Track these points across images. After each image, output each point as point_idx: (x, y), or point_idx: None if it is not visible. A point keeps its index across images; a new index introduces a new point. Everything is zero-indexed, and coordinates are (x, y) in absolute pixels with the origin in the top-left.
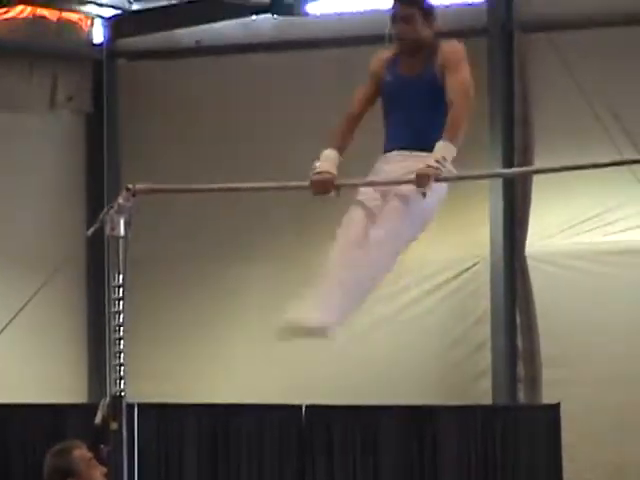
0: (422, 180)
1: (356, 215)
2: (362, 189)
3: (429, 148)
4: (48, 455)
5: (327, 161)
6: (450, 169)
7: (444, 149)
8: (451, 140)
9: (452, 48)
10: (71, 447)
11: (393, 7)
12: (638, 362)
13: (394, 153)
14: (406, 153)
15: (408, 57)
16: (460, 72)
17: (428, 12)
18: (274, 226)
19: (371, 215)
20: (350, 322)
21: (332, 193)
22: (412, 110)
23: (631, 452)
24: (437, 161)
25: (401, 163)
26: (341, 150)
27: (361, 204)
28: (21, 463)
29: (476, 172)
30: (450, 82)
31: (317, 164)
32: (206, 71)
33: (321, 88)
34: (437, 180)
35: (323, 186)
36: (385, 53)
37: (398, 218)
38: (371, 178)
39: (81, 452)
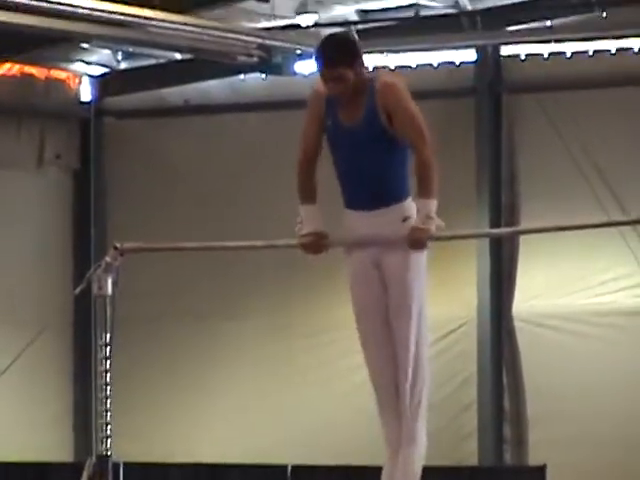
0: (416, 245)
1: (369, 327)
2: (352, 269)
3: (395, 200)
4: None
5: (311, 220)
6: (438, 223)
7: (426, 207)
8: (429, 196)
9: (388, 88)
10: None
11: (318, 67)
12: (625, 423)
13: (360, 213)
14: (373, 212)
15: (344, 98)
16: (406, 112)
17: (355, 62)
18: (255, 286)
19: (380, 303)
20: (334, 384)
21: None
22: (362, 167)
23: None
24: (424, 222)
25: (373, 219)
26: (314, 200)
27: (364, 311)
28: None
29: (464, 232)
30: (401, 127)
31: (300, 224)
32: (194, 130)
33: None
34: (428, 240)
35: (314, 248)
36: (318, 93)
37: (410, 294)
38: (354, 236)
39: None
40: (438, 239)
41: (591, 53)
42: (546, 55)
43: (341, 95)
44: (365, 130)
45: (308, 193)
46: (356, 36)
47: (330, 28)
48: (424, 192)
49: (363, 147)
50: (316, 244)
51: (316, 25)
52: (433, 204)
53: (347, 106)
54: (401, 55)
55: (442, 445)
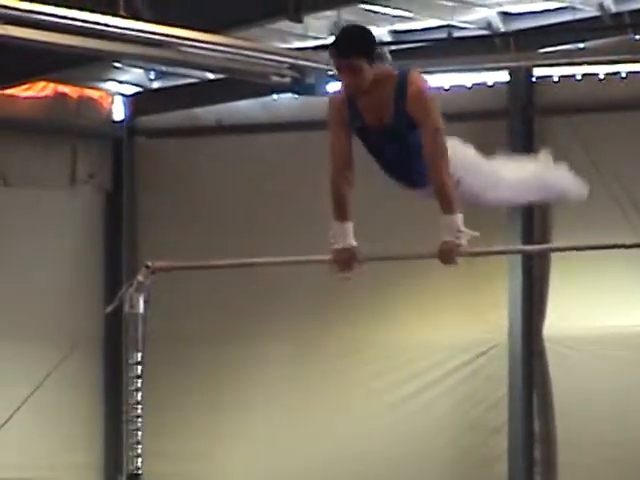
0: (448, 260)
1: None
2: None
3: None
4: None
5: (344, 236)
6: (469, 233)
7: (453, 222)
8: (452, 211)
9: (421, 96)
10: None
11: (332, 59)
12: None
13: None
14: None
15: (365, 96)
16: (430, 123)
17: (370, 54)
18: (287, 306)
19: None
20: (363, 408)
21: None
22: (398, 156)
23: None
24: (455, 236)
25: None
26: (347, 217)
27: None
28: None
29: (496, 247)
30: (424, 139)
31: (332, 239)
32: (226, 150)
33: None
34: (459, 254)
35: (345, 263)
36: (337, 99)
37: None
38: None
39: None
40: (470, 255)
41: (624, 75)
42: (579, 77)
43: (358, 88)
44: (394, 130)
45: (341, 209)
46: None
47: None
48: (447, 209)
49: (395, 142)
50: (348, 260)
51: None
52: (459, 218)
53: (371, 105)
54: (434, 76)
55: (471, 469)
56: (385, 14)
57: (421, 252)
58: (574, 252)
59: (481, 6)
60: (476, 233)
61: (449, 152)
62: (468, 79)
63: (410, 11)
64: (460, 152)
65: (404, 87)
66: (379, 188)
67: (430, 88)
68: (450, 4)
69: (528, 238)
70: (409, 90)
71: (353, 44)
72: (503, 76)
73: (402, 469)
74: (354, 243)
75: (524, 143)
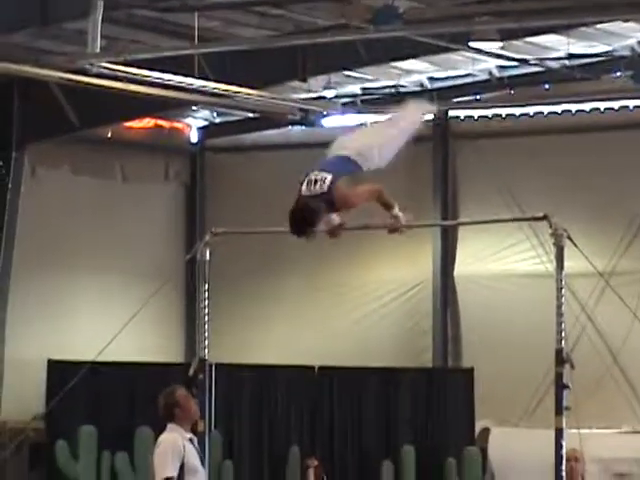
0: (394, 232)
1: None
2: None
3: None
4: (160, 396)
5: (333, 218)
6: (409, 217)
7: (393, 213)
8: (391, 207)
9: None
10: (175, 389)
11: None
12: (532, 347)
13: None
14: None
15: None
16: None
17: (313, 223)
18: (301, 258)
19: None
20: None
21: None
22: None
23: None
24: (396, 220)
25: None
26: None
27: None
28: (142, 402)
29: (424, 222)
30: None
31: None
32: (260, 161)
33: None
34: (401, 230)
35: (333, 233)
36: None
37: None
38: None
39: (181, 392)
40: (407, 227)
41: (504, 115)
42: (475, 117)
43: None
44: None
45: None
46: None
47: (342, 98)
48: (388, 207)
49: None
50: (335, 230)
51: (336, 97)
52: (396, 208)
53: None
54: (387, 113)
55: (409, 353)
56: (358, 77)
57: (379, 225)
58: (475, 218)
59: (417, 73)
60: (412, 216)
61: (386, 139)
62: None
63: (374, 74)
64: (388, 141)
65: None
66: None
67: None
68: (397, 71)
69: (445, 215)
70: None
71: (301, 227)
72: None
73: (367, 350)
74: (338, 220)
75: (443, 159)
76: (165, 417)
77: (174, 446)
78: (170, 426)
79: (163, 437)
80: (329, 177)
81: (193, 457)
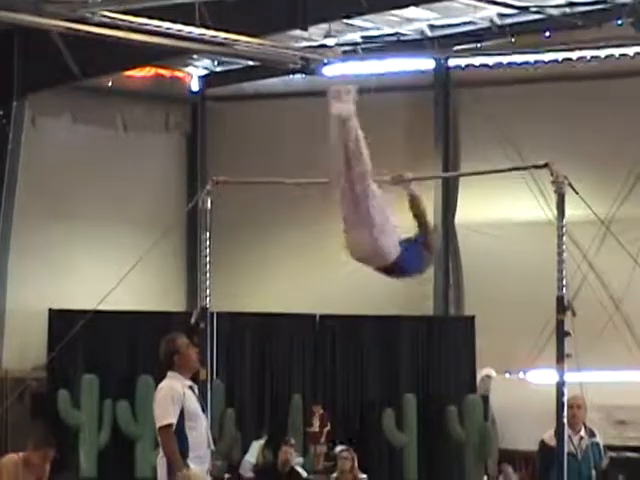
0: (397, 182)
1: None
2: None
3: None
4: (162, 342)
5: None
6: (407, 175)
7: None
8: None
9: None
10: (175, 336)
11: None
12: (533, 294)
13: None
14: None
15: None
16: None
17: None
18: (301, 209)
19: None
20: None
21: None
22: None
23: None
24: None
25: None
26: None
27: None
28: (143, 350)
29: (425, 175)
30: None
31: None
32: (261, 110)
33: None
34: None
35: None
36: None
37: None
38: None
39: (182, 339)
40: (413, 180)
41: (505, 63)
42: (477, 65)
43: None
44: None
45: None
46: None
47: (343, 47)
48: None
49: None
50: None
51: (336, 45)
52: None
53: None
54: (388, 62)
55: (410, 301)
56: (359, 25)
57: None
58: (477, 167)
59: (417, 21)
60: (410, 174)
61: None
62: (410, 65)
63: (375, 22)
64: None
65: None
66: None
67: None
68: (397, 19)
69: (446, 167)
70: None
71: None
72: (430, 64)
73: (369, 298)
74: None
75: (444, 108)
76: (165, 364)
77: (173, 392)
78: (170, 374)
79: (163, 384)
80: None
81: (193, 403)
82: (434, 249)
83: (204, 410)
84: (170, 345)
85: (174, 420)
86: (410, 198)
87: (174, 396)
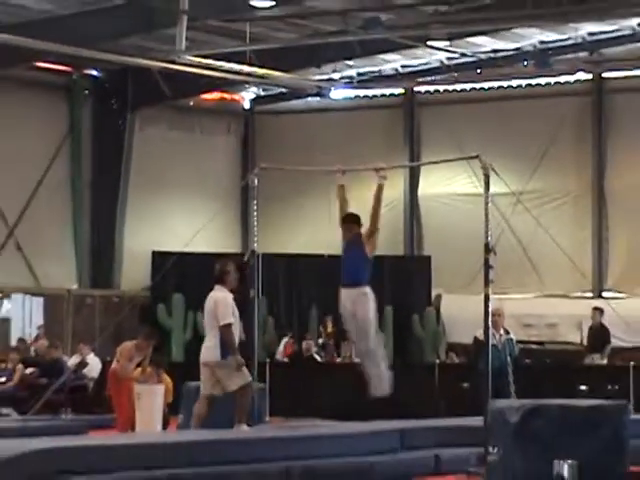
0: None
1: None
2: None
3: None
4: (216, 264)
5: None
6: (383, 174)
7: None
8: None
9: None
10: (228, 262)
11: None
12: (470, 241)
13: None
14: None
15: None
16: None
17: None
18: (321, 182)
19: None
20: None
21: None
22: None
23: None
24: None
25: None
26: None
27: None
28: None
29: (395, 164)
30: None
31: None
32: (291, 121)
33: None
34: (382, 169)
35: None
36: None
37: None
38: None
39: (231, 265)
40: (387, 168)
41: (451, 90)
42: (432, 91)
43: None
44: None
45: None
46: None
47: (344, 78)
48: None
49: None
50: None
51: (341, 78)
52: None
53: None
54: (373, 89)
55: (389, 245)
56: (353, 65)
57: (370, 167)
58: (432, 159)
59: (393, 62)
60: (383, 165)
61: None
62: (387, 91)
63: (365, 63)
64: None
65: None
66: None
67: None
68: (380, 61)
69: (412, 158)
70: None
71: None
72: (401, 90)
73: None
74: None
75: (409, 121)
76: (217, 279)
77: (230, 301)
78: (217, 287)
79: (218, 294)
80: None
81: (235, 309)
82: (373, 247)
83: (252, 319)
84: (224, 266)
85: (233, 320)
86: (378, 187)
87: (231, 304)
